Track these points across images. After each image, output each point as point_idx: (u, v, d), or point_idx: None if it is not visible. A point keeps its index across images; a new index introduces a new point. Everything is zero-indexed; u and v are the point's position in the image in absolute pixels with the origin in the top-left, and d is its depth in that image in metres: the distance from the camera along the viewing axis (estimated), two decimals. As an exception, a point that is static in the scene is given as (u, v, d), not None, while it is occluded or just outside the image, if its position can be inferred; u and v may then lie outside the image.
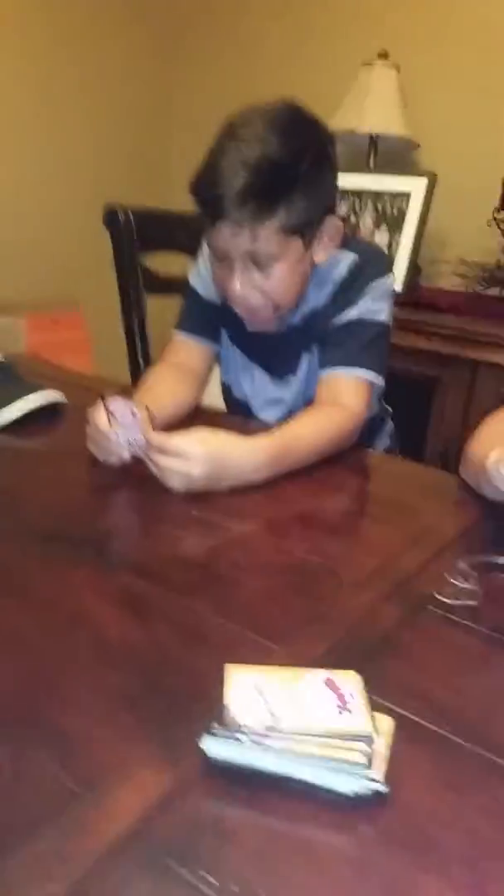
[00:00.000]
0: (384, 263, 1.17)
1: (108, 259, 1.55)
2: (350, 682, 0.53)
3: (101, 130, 2.94)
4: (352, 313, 1.10)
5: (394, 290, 1.15)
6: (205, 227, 1.04)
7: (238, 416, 1.27)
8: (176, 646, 0.61)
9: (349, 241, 1.14)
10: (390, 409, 1.38)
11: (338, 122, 2.28)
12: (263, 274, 1.03)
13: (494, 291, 2.18)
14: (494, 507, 0.88)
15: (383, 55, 2.33)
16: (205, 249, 1.23)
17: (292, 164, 0.97)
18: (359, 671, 0.53)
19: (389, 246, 2.18)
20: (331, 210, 1.07)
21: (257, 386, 1.25)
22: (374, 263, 1.13)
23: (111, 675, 0.57)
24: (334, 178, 1.06)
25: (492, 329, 1.92)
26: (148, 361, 1.57)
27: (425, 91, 2.41)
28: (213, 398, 1.34)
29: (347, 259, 1.11)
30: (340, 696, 0.51)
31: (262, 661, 0.58)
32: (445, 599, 0.68)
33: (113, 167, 2.96)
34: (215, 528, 0.84)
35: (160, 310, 1.61)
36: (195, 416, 1.17)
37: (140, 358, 1.59)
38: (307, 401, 1.18)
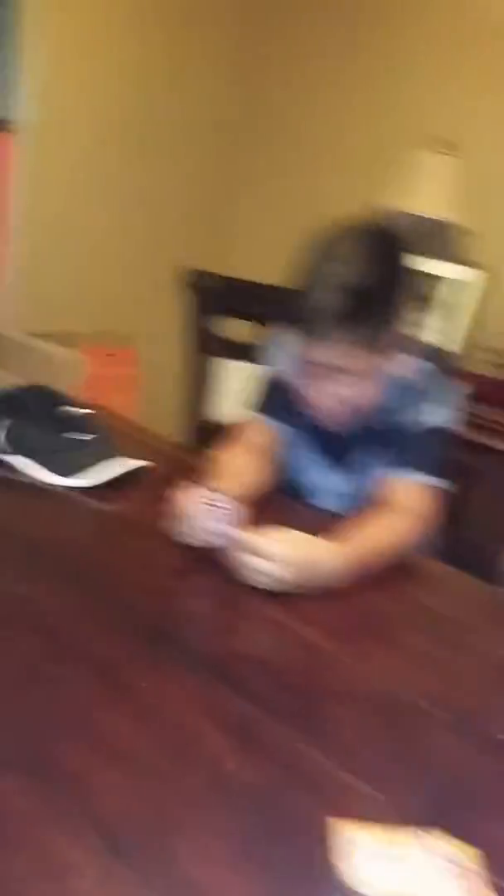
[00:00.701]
0: (455, 371, 1.22)
1: (164, 305, 1.56)
2: (469, 857, 0.54)
3: (175, 194, 3.05)
4: (423, 419, 1.15)
5: (463, 397, 1.20)
6: (295, 335, 1.09)
7: (301, 501, 1.29)
8: (287, 787, 0.62)
9: (420, 347, 1.20)
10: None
11: (397, 203, 2.32)
12: (347, 385, 1.09)
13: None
14: None
15: (448, 143, 2.38)
16: (286, 337, 1.27)
17: (383, 289, 1.05)
18: (464, 833, 0.55)
19: (442, 332, 2.22)
20: (408, 324, 1.13)
21: (321, 476, 1.28)
22: (445, 371, 1.19)
23: (230, 814, 0.58)
24: (413, 296, 1.13)
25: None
26: (205, 421, 1.60)
27: (485, 179, 2.45)
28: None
29: (419, 365, 1.17)
30: (462, 872, 0.53)
31: (369, 812, 0.59)
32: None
33: (181, 228, 3.06)
34: (292, 634, 0.86)
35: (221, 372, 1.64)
36: (268, 502, 1.19)
37: (197, 416, 1.61)
38: (370, 497, 1.21)
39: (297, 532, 0.94)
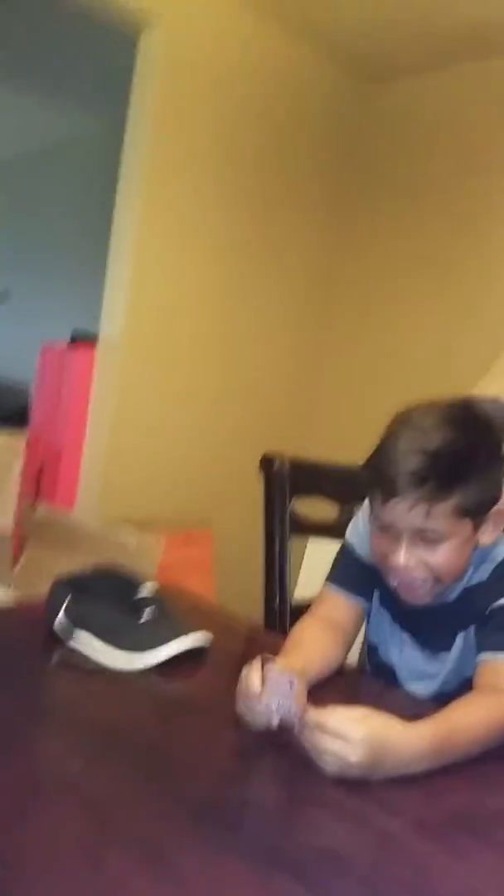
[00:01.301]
0: None
1: (242, 486, 1.59)
2: None
3: (256, 383, 3.23)
4: None
5: None
6: (372, 500, 1.07)
7: (384, 681, 1.21)
8: None
9: None
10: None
11: (490, 391, 2.36)
12: (429, 550, 1.04)
13: None
14: None
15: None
16: (366, 508, 1.26)
17: (469, 453, 1.02)
18: None
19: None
20: (498, 498, 1.09)
21: (406, 656, 1.20)
22: None
23: None
24: (501, 468, 1.09)
25: None
26: (285, 605, 1.56)
27: None
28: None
29: None
30: None
31: None
32: None
33: (261, 412, 3.22)
34: (367, 823, 0.77)
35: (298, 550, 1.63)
36: (340, 674, 1.12)
37: (277, 599, 1.58)
38: (460, 680, 1.12)
39: (371, 710, 0.86)
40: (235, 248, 3.06)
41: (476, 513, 1.04)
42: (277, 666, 0.90)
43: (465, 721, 0.94)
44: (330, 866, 0.68)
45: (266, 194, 3.11)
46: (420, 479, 0.99)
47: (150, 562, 2.29)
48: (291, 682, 0.87)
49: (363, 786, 0.81)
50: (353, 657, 1.28)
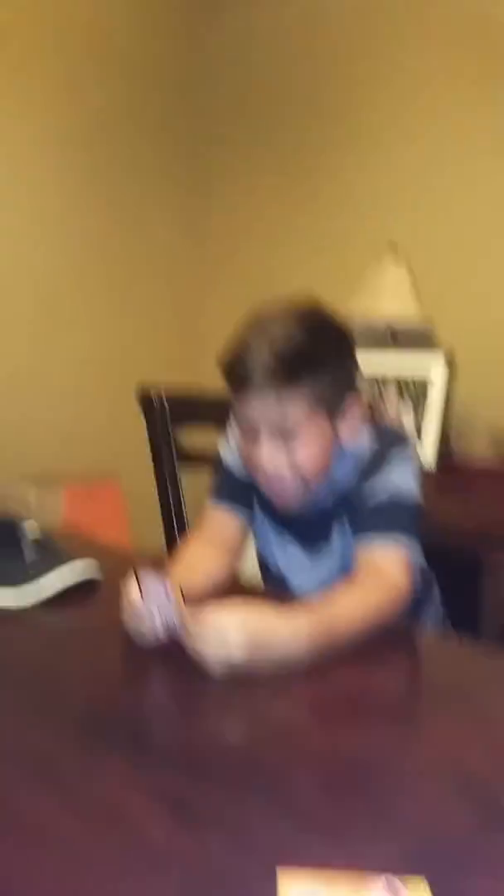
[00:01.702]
0: (408, 445, 1.19)
1: (143, 432, 1.60)
2: (416, 890, 0.47)
3: (139, 315, 3.19)
4: (382, 486, 1.11)
5: (421, 469, 1.17)
6: (233, 402, 1.09)
7: (275, 590, 1.24)
8: (225, 851, 0.55)
9: (373, 424, 1.19)
10: (436, 582, 1.34)
11: (355, 308, 2.42)
12: (289, 447, 1.06)
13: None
14: None
15: (393, 245, 2.52)
16: (234, 423, 1.28)
17: (317, 344, 1.06)
18: (441, 888, 0.47)
19: (416, 423, 2.24)
20: (354, 390, 1.13)
21: (291, 558, 1.23)
22: (400, 442, 1.17)
23: (159, 884, 0.51)
24: (355, 361, 1.14)
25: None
26: (184, 533, 1.58)
27: (436, 275, 2.57)
28: (251, 570, 1.32)
29: (374, 439, 1.16)
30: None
31: (320, 866, 0.52)
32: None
33: (148, 346, 3.17)
34: (258, 712, 0.79)
35: (195, 483, 1.64)
36: (231, 591, 1.15)
37: (176, 531, 1.59)
38: (344, 572, 1.16)
39: (248, 605, 0.88)
40: (95, 190, 3.02)
41: (331, 405, 1.08)
42: (151, 575, 0.91)
43: (344, 606, 0.97)
44: (223, 759, 0.70)
45: (125, 126, 3.05)
46: (270, 371, 1.02)
47: (53, 517, 2.26)
48: (165, 587, 0.89)
49: (250, 680, 0.83)
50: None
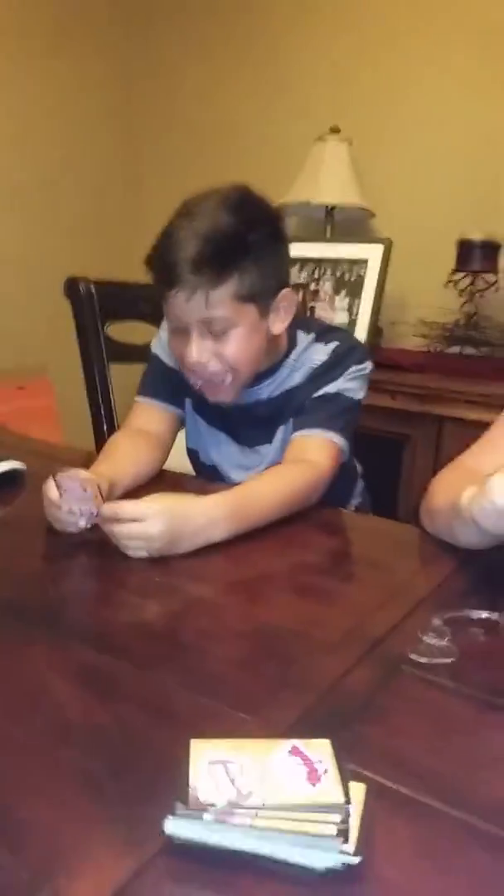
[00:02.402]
0: (364, 352, 1.19)
1: (73, 327, 1.55)
2: (320, 750, 0.50)
3: (70, 204, 3.01)
4: (328, 388, 1.12)
5: (369, 376, 1.18)
6: (161, 298, 1.05)
7: (205, 479, 1.26)
8: (141, 724, 0.58)
9: (331, 332, 1.18)
10: (360, 467, 1.38)
11: (295, 194, 2.35)
12: (219, 341, 1.04)
13: (455, 349, 2.23)
14: (466, 561, 0.87)
15: (335, 130, 2.43)
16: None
17: (243, 234, 1.01)
18: (333, 738, 0.51)
19: (349, 310, 2.23)
20: (284, 284, 1.10)
21: (224, 453, 1.24)
22: (354, 350, 1.16)
23: (72, 757, 0.54)
24: (286, 252, 1.10)
25: (455, 385, 1.95)
26: (113, 429, 1.56)
27: (377, 162, 2.50)
28: (178, 465, 1.32)
29: (329, 347, 1.15)
30: (311, 766, 0.48)
31: (233, 733, 0.55)
32: (420, 659, 0.66)
33: (79, 239, 3.02)
34: (178, 593, 0.82)
35: (124, 378, 1.62)
36: (160, 481, 1.16)
37: (105, 426, 1.58)
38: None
39: (165, 492, 0.89)
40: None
41: (260, 298, 1.05)
42: (68, 473, 0.91)
43: (263, 486, 1.00)
44: (141, 637, 0.72)
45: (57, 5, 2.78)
46: (195, 266, 0.98)
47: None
48: (83, 485, 0.89)
49: (170, 561, 0.86)
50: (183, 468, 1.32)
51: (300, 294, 1.16)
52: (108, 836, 0.46)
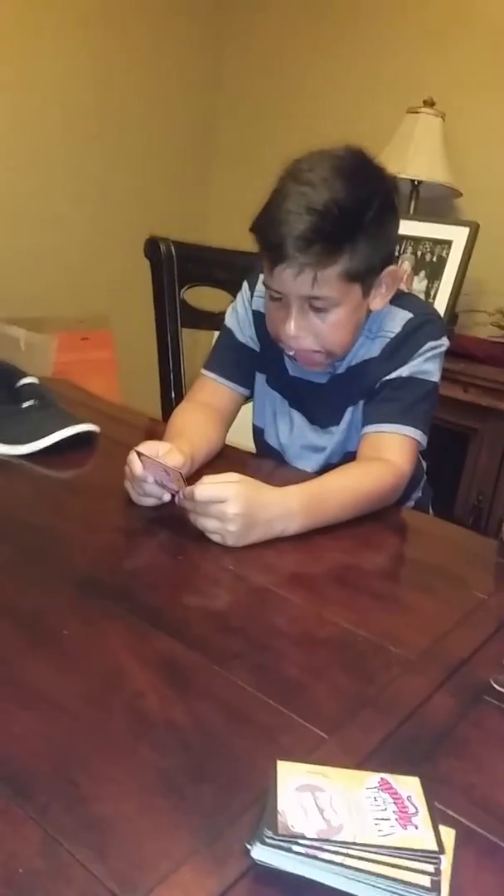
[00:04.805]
0: (440, 326, 1.13)
1: (139, 283, 1.53)
2: (410, 787, 0.49)
3: (143, 162, 2.98)
4: (402, 371, 1.07)
5: (445, 353, 1.12)
6: (263, 267, 1.02)
7: (273, 460, 1.24)
8: (218, 726, 0.57)
9: (405, 298, 1.12)
10: (425, 463, 1.34)
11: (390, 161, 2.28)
12: (320, 318, 1.01)
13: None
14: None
15: (429, 102, 2.34)
16: (245, 292, 1.21)
17: (358, 210, 0.95)
18: (414, 770, 0.49)
19: (427, 293, 2.16)
20: (391, 259, 1.05)
21: (296, 433, 1.21)
22: (430, 324, 1.10)
23: (149, 752, 0.53)
24: (397, 226, 1.05)
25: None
26: (180, 395, 1.55)
27: (469, 139, 2.40)
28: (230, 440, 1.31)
29: (403, 316, 1.09)
30: (401, 804, 0.47)
31: (312, 750, 0.54)
32: (502, 689, 0.64)
33: (152, 197, 2.99)
34: (249, 584, 0.81)
35: (194, 343, 1.59)
36: (225, 457, 1.14)
37: (172, 390, 1.56)
38: (346, 453, 1.15)
39: (245, 479, 0.88)
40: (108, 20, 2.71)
41: (366, 276, 1.00)
42: (150, 448, 0.90)
43: (340, 483, 0.97)
44: (207, 623, 0.72)
45: None
46: (306, 242, 0.93)
47: (44, 361, 2.22)
48: (167, 470, 0.88)
49: (243, 551, 0.85)
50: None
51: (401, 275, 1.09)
52: (190, 848, 0.45)
